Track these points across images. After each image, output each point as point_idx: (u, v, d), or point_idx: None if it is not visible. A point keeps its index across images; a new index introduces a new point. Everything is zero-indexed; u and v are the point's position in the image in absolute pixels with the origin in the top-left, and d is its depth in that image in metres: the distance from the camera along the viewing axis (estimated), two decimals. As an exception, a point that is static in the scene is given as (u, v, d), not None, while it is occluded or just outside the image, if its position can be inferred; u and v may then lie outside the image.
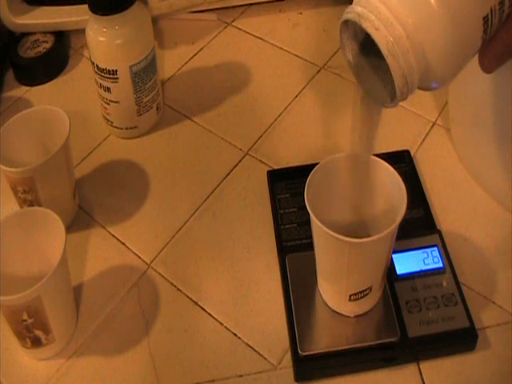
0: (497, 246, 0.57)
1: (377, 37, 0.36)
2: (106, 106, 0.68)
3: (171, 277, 0.58)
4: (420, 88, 0.39)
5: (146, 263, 0.59)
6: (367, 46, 0.39)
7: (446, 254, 0.54)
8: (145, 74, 0.66)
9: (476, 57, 0.40)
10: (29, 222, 0.52)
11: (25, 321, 0.49)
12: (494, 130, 0.57)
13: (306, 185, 0.46)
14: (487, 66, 0.40)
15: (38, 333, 0.51)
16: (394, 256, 0.54)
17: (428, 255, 0.54)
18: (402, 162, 0.62)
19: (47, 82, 0.78)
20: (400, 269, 0.54)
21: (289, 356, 0.52)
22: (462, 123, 0.64)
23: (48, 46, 0.78)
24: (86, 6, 0.62)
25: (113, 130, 0.71)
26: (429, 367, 0.51)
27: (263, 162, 0.66)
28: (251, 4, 0.84)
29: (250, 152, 0.68)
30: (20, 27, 0.79)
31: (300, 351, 0.50)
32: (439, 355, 0.51)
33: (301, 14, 0.84)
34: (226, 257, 0.59)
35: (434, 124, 0.68)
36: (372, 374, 0.51)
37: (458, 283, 0.53)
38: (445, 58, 0.37)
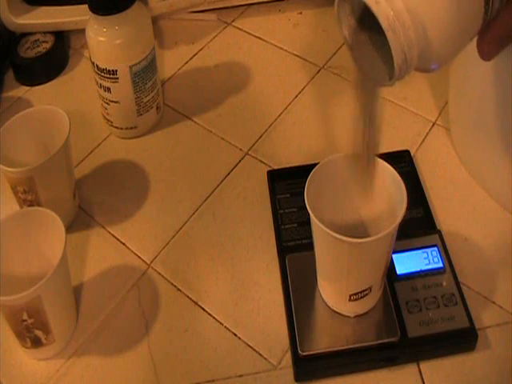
0: (497, 246, 0.57)
1: (377, 11, 0.34)
2: (106, 106, 0.68)
3: (171, 277, 0.58)
4: (418, 69, 0.38)
5: (146, 263, 0.59)
6: (365, 22, 0.38)
7: (446, 254, 0.54)
8: (145, 73, 0.66)
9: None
10: (29, 222, 0.52)
11: (25, 321, 0.49)
12: (493, 130, 0.56)
13: (306, 185, 0.46)
14: (486, 51, 0.39)
15: (38, 333, 0.51)
16: (394, 256, 0.54)
17: (428, 255, 0.54)
18: (402, 161, 0.62)
19: (47, 82, 0.78)
20: (400, 269, 0.54)
21: (289, 356, 0.52)
22: (461, 123, 0.64)
23: (48, 45, 0.78)
24: (85, 6, 0.63)
25: (113, 130, 0.71)
26: (429, 367, 0.51)
27: (263, 162, 0.66)
28: (251, 4, 0.84)
29: (250, 152, 0.68)
30: (20, 27, 0.79)
31: (300, 351, 0.50)
32: (439, 355, 0.51)
33: (301, 13, 0.84)
34: (226, 257, 0.59)
35: (434, 124, 0.68)
36: (372, 374, 0.51)
37: (457, 283, 0.53)
38: (445, 36, 0.36)
